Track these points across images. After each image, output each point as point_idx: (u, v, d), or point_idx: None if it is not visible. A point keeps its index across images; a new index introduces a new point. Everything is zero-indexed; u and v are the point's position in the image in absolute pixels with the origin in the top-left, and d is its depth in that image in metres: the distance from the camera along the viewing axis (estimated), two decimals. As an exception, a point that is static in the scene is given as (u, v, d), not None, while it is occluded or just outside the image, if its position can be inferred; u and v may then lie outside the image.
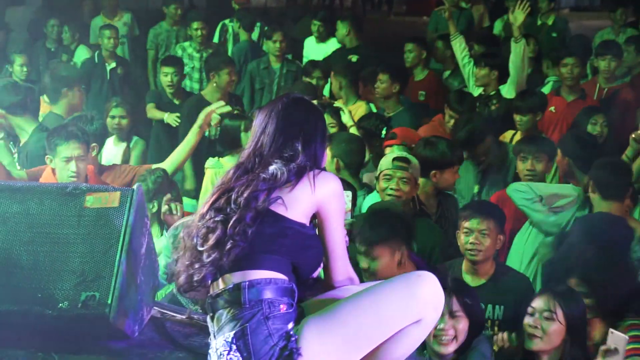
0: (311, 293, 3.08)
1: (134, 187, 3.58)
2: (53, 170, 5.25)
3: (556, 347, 3.87)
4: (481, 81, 7.65)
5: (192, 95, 8.30)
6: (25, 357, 3.39)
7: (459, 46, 8.16)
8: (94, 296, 3.37)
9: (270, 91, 8.80)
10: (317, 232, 3.03)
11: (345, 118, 6.66)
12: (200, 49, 9.63)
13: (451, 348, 3.95)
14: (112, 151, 6.95)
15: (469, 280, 4.70)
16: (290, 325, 2.83)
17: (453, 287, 3.98)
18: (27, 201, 3.53)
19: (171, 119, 7.65)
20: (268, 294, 2.84)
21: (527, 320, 3.91)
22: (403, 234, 4.48)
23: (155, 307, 3.77)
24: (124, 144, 6.96)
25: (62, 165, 5.14)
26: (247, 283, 2.87)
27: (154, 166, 5.60)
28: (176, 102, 7.99)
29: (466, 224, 4.72)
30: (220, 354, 2.85)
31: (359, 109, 7.60)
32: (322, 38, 9.71)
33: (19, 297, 3.35)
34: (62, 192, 3.56)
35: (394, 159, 5.38)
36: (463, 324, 3.98)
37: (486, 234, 4.69)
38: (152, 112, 7.97)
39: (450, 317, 3.94)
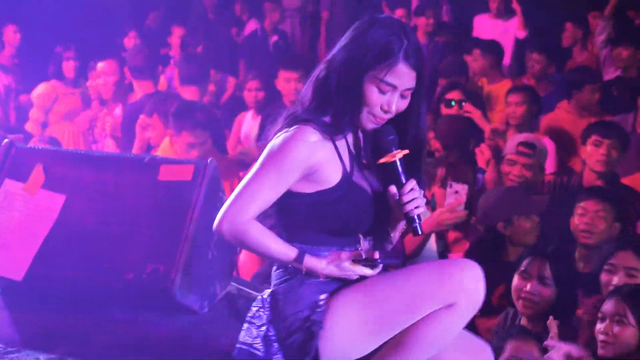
0: None
1: (208, 160, 3.54)
2: (172, 143, 5.29)
3: (632, 353, 3.53)
4: (622, 62, 7.11)
5: None
6: (93, 326, 3.41)
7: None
8: (158, 269, 3.35)
9: None
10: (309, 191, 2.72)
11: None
12: None
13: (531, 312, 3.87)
14: (249, 124, 6.96)
15: (581, 267, 4.48)
16: (323, 296, 2.68)
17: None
18: (104, 170, 3.55)
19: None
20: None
21: (598, 326, 3.59)
22: None
23: (233, 283, 3.72)
24: (260, 118, 6.95)
25: (184, 148, 5.18)
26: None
27: None
28: None
29: (581, 204, 4.50)
30: (252, 307, 2.80)
31: (503, 88, 7.27)
32: (501, 14, 8.64)
33: (87, 266, 3.38)
34: (139, 163, 3.57)
35: (519, 144, 5.16)
36: (550, 293, 3.88)
37: (601, 217, 4.44)
38: None
39: (539, 282, 3.84)
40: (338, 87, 2.68)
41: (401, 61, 2.64)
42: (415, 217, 2.67)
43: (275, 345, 2.68)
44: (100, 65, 6.78)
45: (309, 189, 2.67)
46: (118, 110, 6.60)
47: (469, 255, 4.57)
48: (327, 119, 2.69)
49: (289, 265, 2.69)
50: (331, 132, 2.68)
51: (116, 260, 3.38)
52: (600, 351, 3.56)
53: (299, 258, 2.66)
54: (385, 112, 2.67)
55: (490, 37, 8.00)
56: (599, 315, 3.61)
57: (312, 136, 2.65)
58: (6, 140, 3.65)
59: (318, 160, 2.66)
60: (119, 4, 9.95)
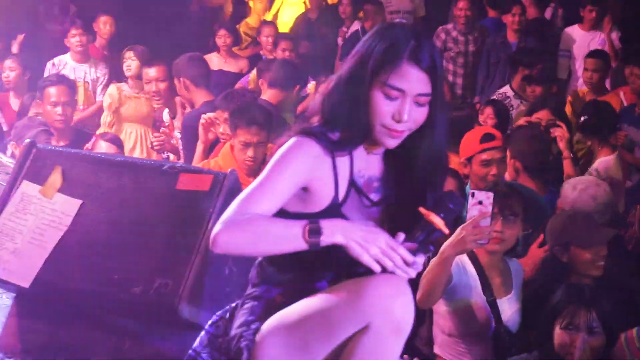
0: None
1: (228, 171, 3.35)
2: (232, 147, 5.12)
3: None
4: None
5: None
6: (98, 340, 3.27)
7: None
8: (167, 283, 3.18)
9: (504, 65, 8.08)
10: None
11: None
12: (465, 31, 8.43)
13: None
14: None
15: None
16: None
17: None
18: (122, 177, 3.40)
19: None
20: (272, 280, 2.51)
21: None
22: None
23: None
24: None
25: (240, 147, 5.00)
26: (259, 261, 2.57)
27: None
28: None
29: None
30: (214, 316, 2.65)
31: (610, 101, 6.82)
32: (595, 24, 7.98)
33: (96, 277, 3.23)
34: (158, 171, 3.40)
35: None
36: (600, 341, 3.50)
37: None
38: None
39: (588, 334, 3.49)
40: (344, 98, 2.45)
41: (406, 62, 2.38)
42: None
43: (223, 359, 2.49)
44: (147, 70, 6.60)
45: (292, 207, 2.44)
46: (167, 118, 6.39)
47: (536, 279, 4.21)
48: (334, 136, 2.45)
49: (307, 243, 2.28)
50: (333, 148, 2.44)
51: (126, 272, 3.21)
52: None
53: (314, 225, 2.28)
54: (398, 121, 2.40)
55: (584, 48, 7.59)
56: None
57: (311, 149, 2.42)
58: (27, 140, 3.54)
59: (313, 177, 2.43)
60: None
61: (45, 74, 7.60)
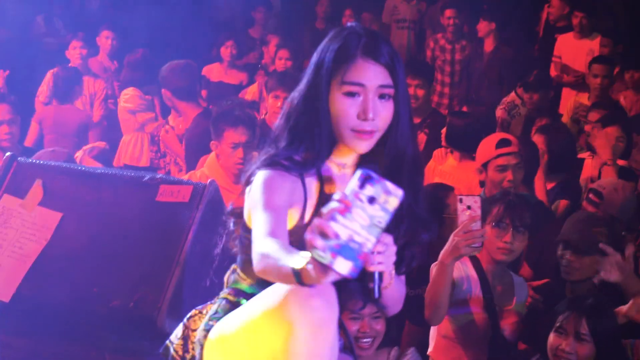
0: None
1: (208, 182, 3.33)
2: (217, 156, 5.06)
3: None
4: None
5: None
6: (79, 353, 3.25)
7: None
8: (147, 296, 3.16)
9: (479, 74, 8.01)
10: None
11: None
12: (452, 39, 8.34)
13: None
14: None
15: None
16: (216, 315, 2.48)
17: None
18: (102, 189, 3.39)
19: None
20: (243, 285, 2.47)
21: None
22: None
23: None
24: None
25: (229, 152, 4.93)
26: (233, 269, 2.56)
27: None
28: None
29: None
30: (193, 310, 2.59)
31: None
32: (585, 33, 7.85)
33: (76, 290, 3.22)
34: (138, 182, 3.39)
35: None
36: (587, 350, 3.40)
37: None
38: None
39: (575, 339, 3.40)
40: (306, 113, 2.37)
41: (360, 57, 2.31)
42: (376, 274, 2.19)
43: (191, 355, 2.49)
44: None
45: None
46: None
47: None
48: (298, 156, 2.38)
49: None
50: (301, 170, 2.37)
51: (105, 285, 3.20)
52: None
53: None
54: (364, 120, 2.31)
55: (572, 56, 7.56)
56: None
57: (283, 179, 2.34)
58: (8, 153, 3.53)
59: (292, 202, 2.36)
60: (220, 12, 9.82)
61: (44, 83, 7.56)
